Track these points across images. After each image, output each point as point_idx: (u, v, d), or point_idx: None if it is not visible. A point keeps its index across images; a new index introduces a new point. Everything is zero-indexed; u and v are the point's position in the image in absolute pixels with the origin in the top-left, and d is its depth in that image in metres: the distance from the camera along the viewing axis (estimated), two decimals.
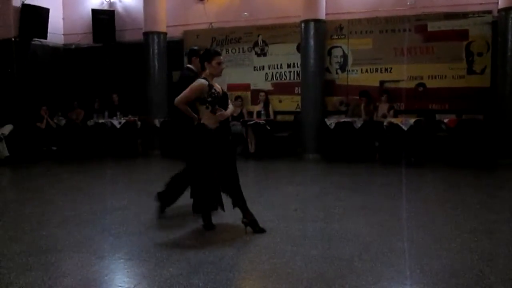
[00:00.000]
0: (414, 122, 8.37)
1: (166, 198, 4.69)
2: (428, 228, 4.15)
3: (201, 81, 4.12)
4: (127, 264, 3.36)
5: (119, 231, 4.19)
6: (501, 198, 5.79)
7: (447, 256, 3.38)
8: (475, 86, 8.92)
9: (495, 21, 8.65)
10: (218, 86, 4.22)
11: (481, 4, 8.82)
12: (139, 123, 10.36)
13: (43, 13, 10.58)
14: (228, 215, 4.39)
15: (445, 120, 8.58)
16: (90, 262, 3.38)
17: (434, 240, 3.78)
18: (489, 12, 8.77)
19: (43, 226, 4.39)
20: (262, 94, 9.91)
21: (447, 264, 3.21)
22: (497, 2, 8.47)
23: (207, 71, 4.19)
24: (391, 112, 8.81)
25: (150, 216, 4.79)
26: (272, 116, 9.74)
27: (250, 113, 9.98)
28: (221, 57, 4.23)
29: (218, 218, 4.36)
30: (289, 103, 10.12)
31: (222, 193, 4.22)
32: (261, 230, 4.09)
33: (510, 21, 8.23)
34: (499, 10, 8.45)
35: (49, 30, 10.76)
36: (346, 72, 9.74)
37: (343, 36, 9.72)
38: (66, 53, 11.84)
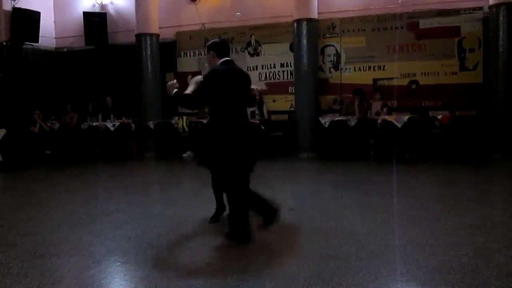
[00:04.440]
0: (408, 119, 8.41)
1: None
2: (423, 225, 4.17)
3: None
4: (124, 267, 3.35)
5: (115, 234, 4.17)
6: (495, 193, 5.83)
7: (443, 252, 3.39)
8: (467, 82, 8.98)
9: (486, 17, 8.71)
10: None
11: (472, 0, 8.89)
12: (133, 125, 10.34)
13: (34, 16, 10.53)
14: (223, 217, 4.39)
15: (439, 117, 8.63)
16: (87, 266, 3.36)
17: (430, 236, 3.79)
18: (480, 8, 8.83)
19: (38, 231, 4.36)
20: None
21: (443, 260, 3.22)
22: None
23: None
24: (385, 109, 8.84)
25: (146, 218, 4.78)
26: (266, 116, 9.75)
27: None
28: None
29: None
30: (283, 102, 10.14)
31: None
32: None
33: (501, 17, 8.29)
34: (490, 7, 8.51)
35: (40, 33, 10.72)
36: (339, 70, 9.77)
37: (336, 35, 9.75)
38: (58, 56, 11.79)
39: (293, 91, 9.81)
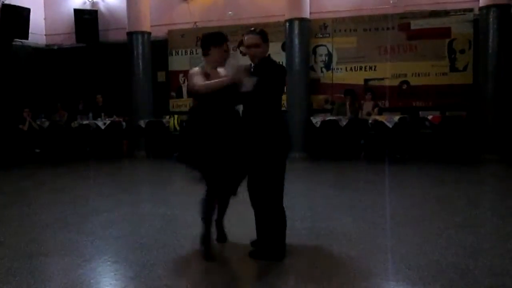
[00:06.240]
0: (399, 119, 8.46)
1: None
2: (414, 224, 4.19)
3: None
4: (113, 266, 3.33)
5: (105, 234, 4.14)
6: (485, 193, 5.89)
7: (433, 251, 3.41)
8: (457, 83, 9.05)
9: (476, 18, 8.78)
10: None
11: (462, 2, 8.96)
12: (124, 124, 10.28)
13: (24, 13, 10.42)
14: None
15: (429, 117, 8.70)
16: (76, 265, 3.33)
17: (420, 236, 3.82)
18: (471, 10, 8.90)
19: (27, 230, 4.32)
20: None
21: (433, 260, 3.24)
22: (478, 0, 8.61)
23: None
24: (376, 110, 8.89)
25: (136, 217, 4.75)
26: None
27: None
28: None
29: None
30: None
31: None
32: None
33: (491, 19, 8.36)
34: (480, 8, 8.58)
35: (30, 30, 10.61)
36: (331, 70, 9.80)
37: (328, 35, 9.77)
38: (49, 53, 11.68)
39: (285, 91, 9.81)
